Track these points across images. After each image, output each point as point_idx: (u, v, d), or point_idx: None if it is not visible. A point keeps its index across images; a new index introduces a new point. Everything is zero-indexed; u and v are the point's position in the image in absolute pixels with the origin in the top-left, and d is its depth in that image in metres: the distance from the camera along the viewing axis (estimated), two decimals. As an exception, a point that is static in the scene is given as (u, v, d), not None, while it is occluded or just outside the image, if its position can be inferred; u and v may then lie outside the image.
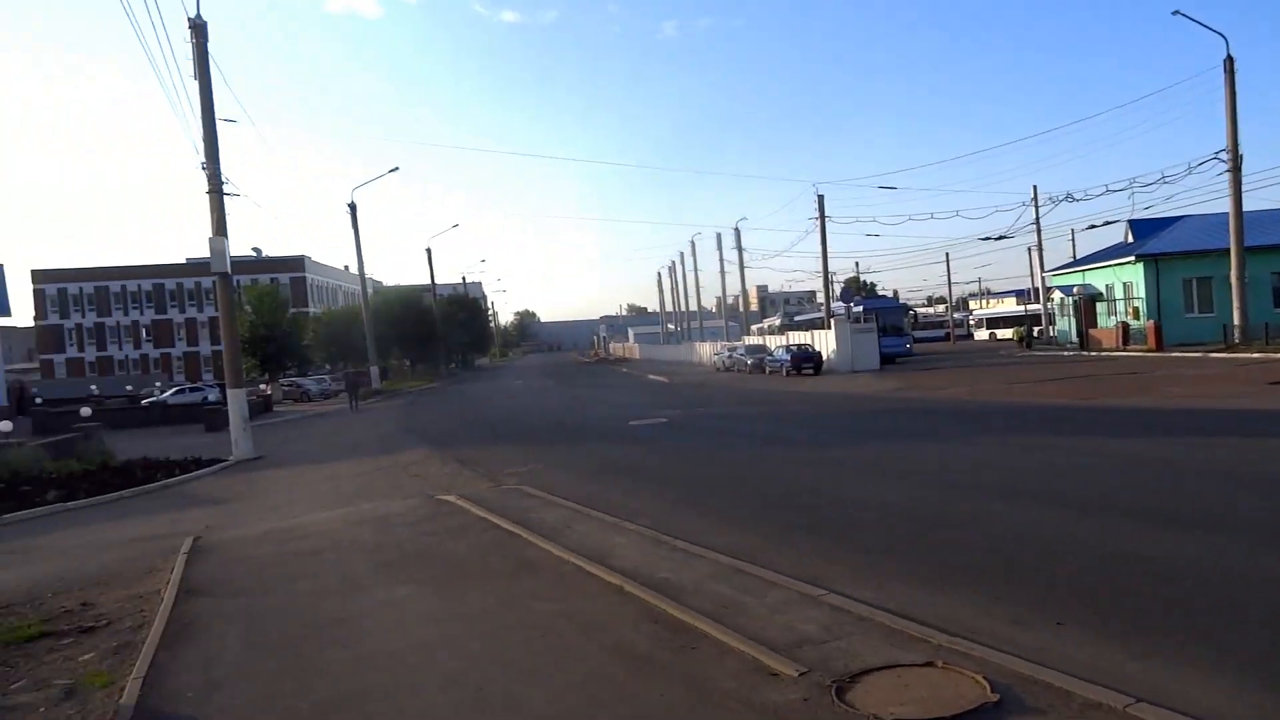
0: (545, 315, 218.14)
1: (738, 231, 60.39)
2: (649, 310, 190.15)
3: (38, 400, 48.66)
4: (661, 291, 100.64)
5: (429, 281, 76.71)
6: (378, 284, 77.64)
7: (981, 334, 77.60)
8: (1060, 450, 12.61)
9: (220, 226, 22.35)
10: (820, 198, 45.62)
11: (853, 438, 16.45)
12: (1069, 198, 44.06)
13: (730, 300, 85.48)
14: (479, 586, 7.16)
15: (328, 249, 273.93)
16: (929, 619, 5.54)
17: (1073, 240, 67.13)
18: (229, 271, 22.41)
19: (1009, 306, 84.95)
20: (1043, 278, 56.46)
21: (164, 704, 5.20)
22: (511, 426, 24.31)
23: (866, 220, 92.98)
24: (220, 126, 22.70)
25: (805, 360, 40.55)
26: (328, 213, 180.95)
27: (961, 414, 19.43)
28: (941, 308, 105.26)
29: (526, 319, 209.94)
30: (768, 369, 43.29)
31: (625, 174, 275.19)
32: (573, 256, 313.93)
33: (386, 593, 7.22)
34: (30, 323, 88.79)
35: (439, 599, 6.88)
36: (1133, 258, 41.71)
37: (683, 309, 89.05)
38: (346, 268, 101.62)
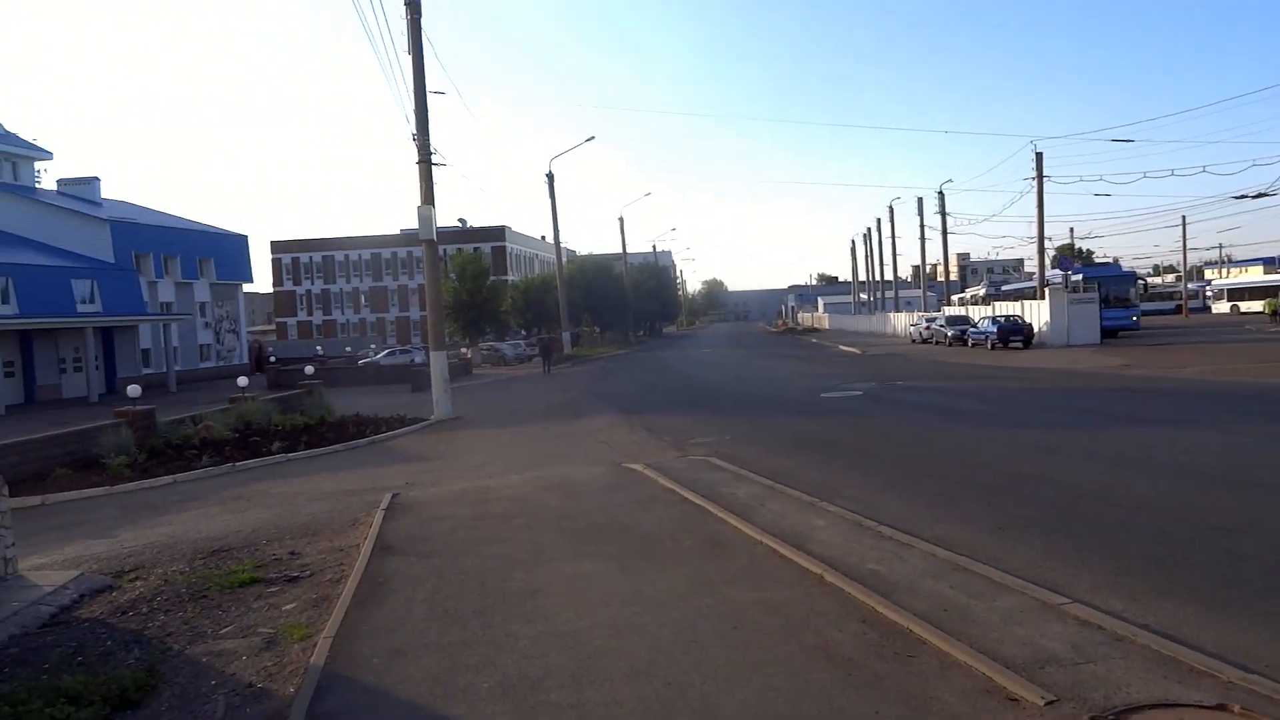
0: (733, 284, 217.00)
1: (941, 195, 56.78)
2: (839, 279, 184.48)
3: (272, 359, 53.96)
4: (854, 259, 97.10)
5: (620, 250, 78.18)
6: (572, 253, 79.96)
7: (1221, 306, 69.18)
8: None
9: (428, 196, 23.29)
10: (1038, 154, 41.79)
11: (1077, 420, 14.73)
12: None
13: (928, 269, 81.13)
14: (668, 565, 6.75)
15: (527, 219, 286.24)
16: (1209, 647, 4.53)
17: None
18: (435, 239, 23.35)
19: (1254, 275, 75.18)
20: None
21: (350, 668, 5.14)
22: (698, 395, 23.98)
23: (1092, 179, 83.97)
24: (430, 99, 23.64)
25: (1013, 332, 37.58)
26: (527, 183, 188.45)
27: (1209, 396, 17.02)
28: (1171, 277, 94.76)
29: (714, 287, 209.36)
30: (970, 341, 40.56)
31: (821, 136, 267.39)
32: (763, 224, 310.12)
33: (574, 566, 6.97)
34: (269, 289, 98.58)
35: (626, 577, 6.53)
36: None
37: (876, 278, 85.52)
38: (543, 237, 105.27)
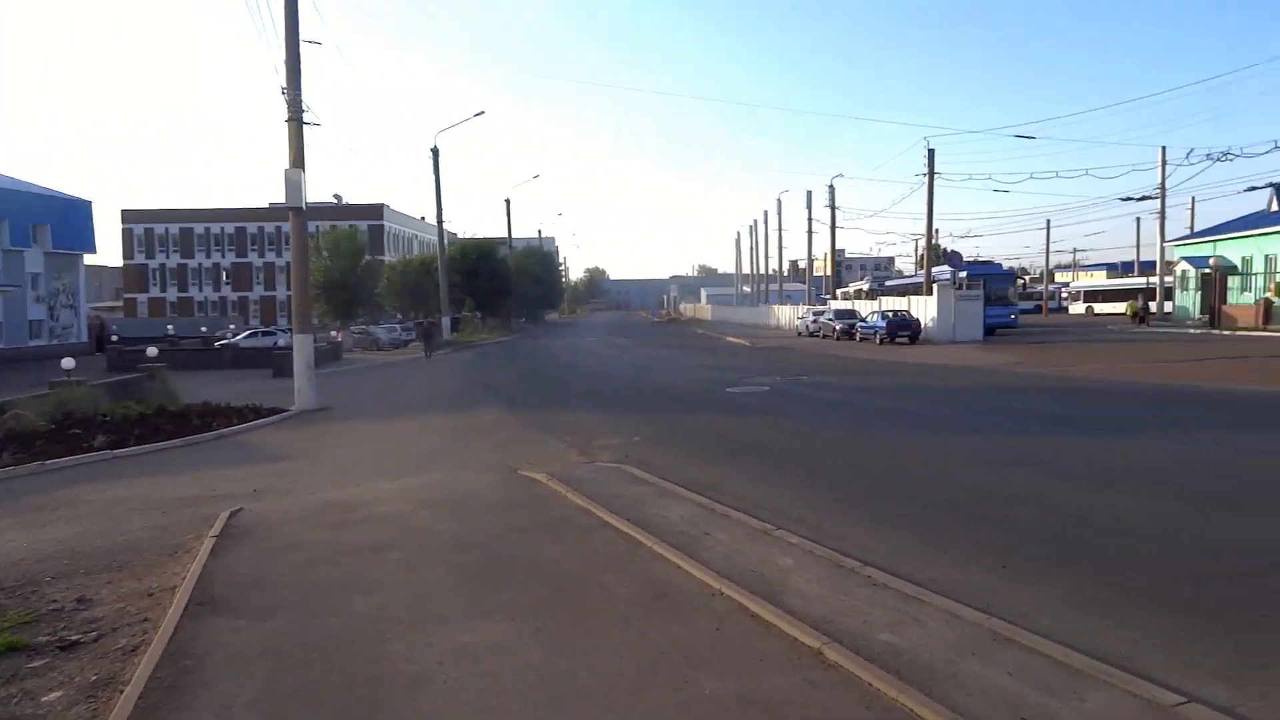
0: (614, 272, 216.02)
1: (831, 189, 56.89)
2: (719, 271, 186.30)
3: (114, 338, 48.70)
4: (739, 251, 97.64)
5: (505, 234, 75.34)
6: (454, 235, 76.46)
7: (1077, 307, 72.74)
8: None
9: (298, 158, 20.57)
10: (930, 150, 42.11)
11: (1016, 424, 13.79)
12: (1225, 156, 38.75)
13: (806, 263, 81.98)
14: (603, 630, 5.00)
15: (408, 198, 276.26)
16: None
17: (1192, 209, 61.92)
18: (304, 206, 20.65)
19: (1099, 280, 79.66)
20: (1162, 248, 51.99)
21: None
22: (595, 387, 22.25)
23: (982, 177, 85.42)
24: (305, 50, 20.88)
25: (902, 327, 37.69)
26: (410, 160, 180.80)
27: (1128, 397, 16.60)
28: (1028, 277, 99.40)
29: (596, 275, 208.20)
30: (859, 335, 40.49)
31: (708, 123, 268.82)
32: (646, 214, 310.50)
33: (474, 630, 5.11)
34: (119, 262, 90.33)
35: (549, 652, 4.73)
36: (1281, 227, 37.43)
37: (761, 270, 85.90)
38: (424, 218, 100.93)
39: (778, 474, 9.80)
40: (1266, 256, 39.86)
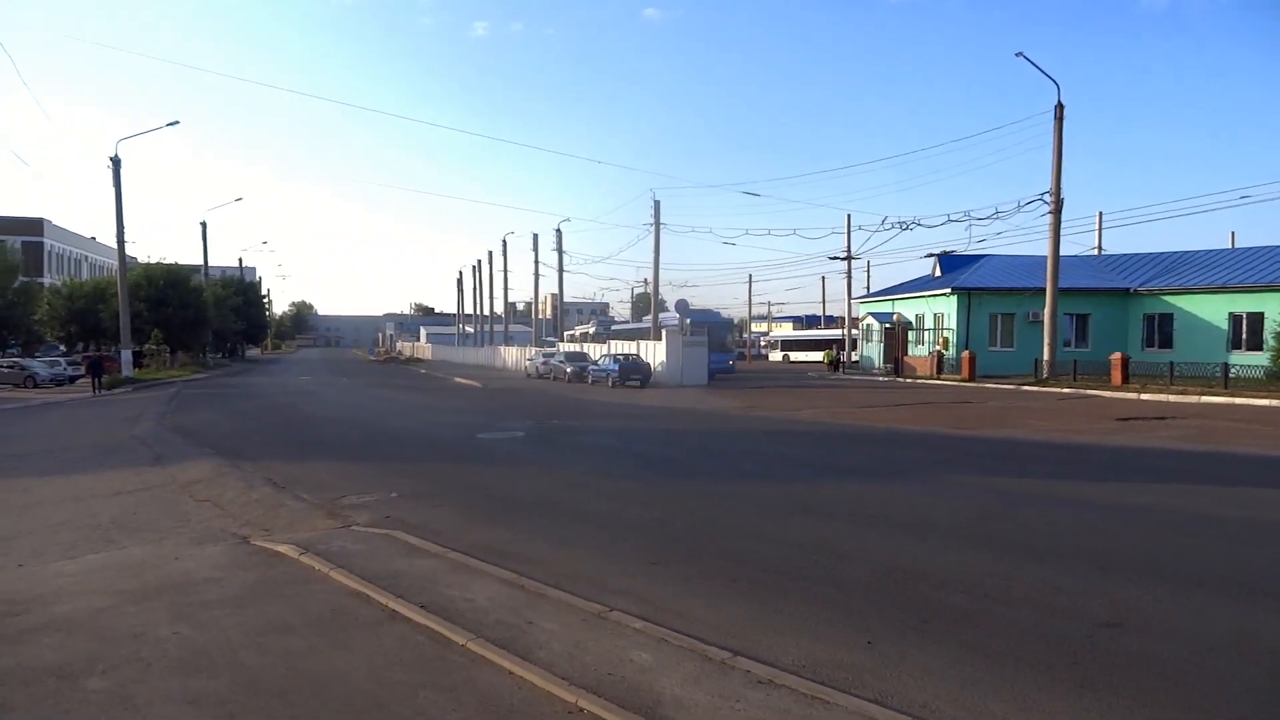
0: (323, 308, 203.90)
1: (559, 233, 57.35)
2: (436, 310, 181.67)
3: None
4: (460, 291, 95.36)
5: (200, 261, 67.58)
6: (134, 260, 67.02)
7: (775, 355, 79.39)
8: (1052, 502, 10.64)
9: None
10: (656, 202, 43.84)
11: (788, 470, 13.81)
12: (908, 226, 43.99)
13: (523, 306, 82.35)
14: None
15: (80, 217, 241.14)
16: None
17: (868, 271, 70.25)
18: (-66, 208, 16.41)
19: (787, 330, 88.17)
20: (849, 304, 58.07)
21: None
22: (323, 433, 19.78)
23: (704, 230, 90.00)
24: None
25: (634, 371, 38.44)
26: (80, 173, 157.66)
27: (870, 441, 17.56)
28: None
29: (303, 310, 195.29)
30: (591, 378, 40.65)
31: (426, 166, 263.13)
32: (358, 249, 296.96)
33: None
34: None
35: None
36: (948, 290, 43.05)
37: (483, 311, 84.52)
38: (94, 238, 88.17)
39: (575, 533, 8.75)
40: (935, 314, 45.75)
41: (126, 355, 43.20)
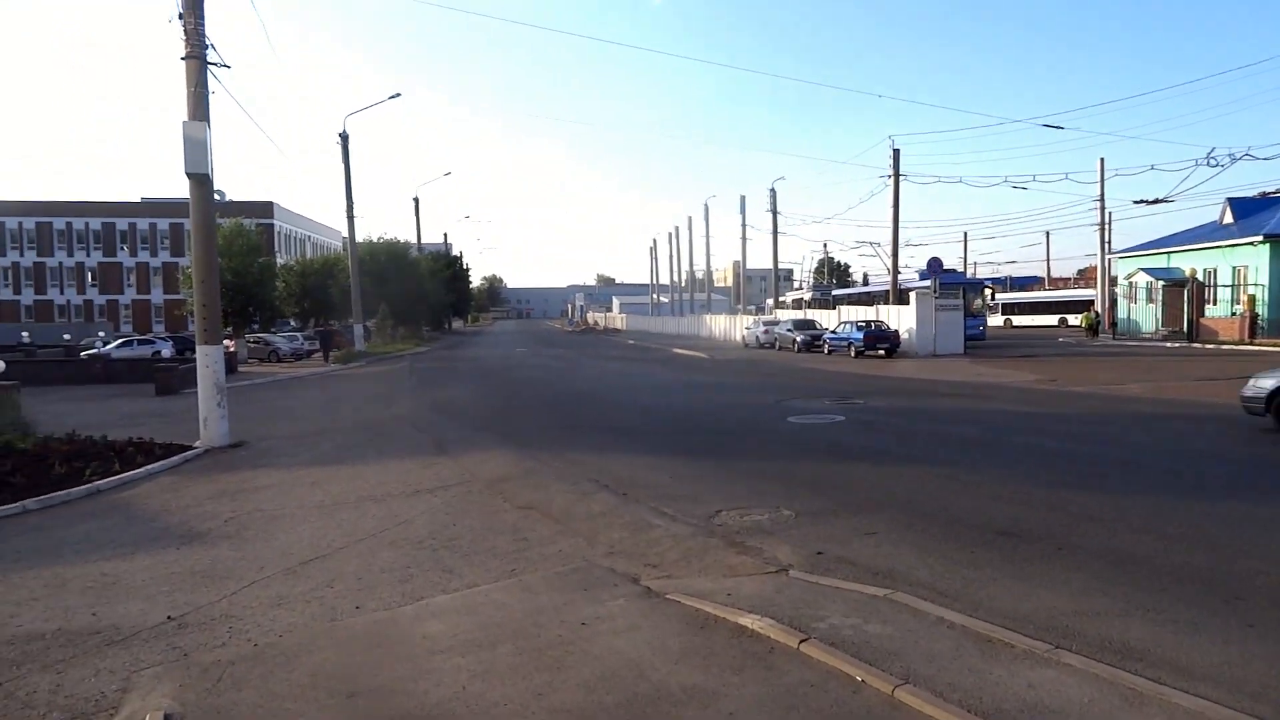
0: (511, 281, 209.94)
1: (773, 192, 53.72)
2: (618, 281, 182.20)
3: (-49, 347, 40.72)
4: (654, 259, 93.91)
5: (413, 236, 69.26)
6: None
7: (993, 320, 72.09)
8: None
9: (199, 109, 15.26)
10: (895, 150, 39.21)
11: (1250, 479, 10.08)
12: (1248, 155, 37.15)
13: (679, 277, 79.41)
14: None
15: (299, 198, 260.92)
16: None
17: (1106, 224, 61.00)
18: (210, 173, 15.35)
19: (1021, 293, 79.55)
20: (1104, 259, 50.76)
21: None
22: (595, 414, 17.58)
23: (952, 180, 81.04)
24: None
25: (880, 339, 34.64)
26: (302, 156, 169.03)
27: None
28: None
29: (495, 283, 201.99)
30: (828, 347, 37.13)
31: (618, 136, 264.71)
32: (546, 222, 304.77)
33: None
34: (-42, 260, 79.29)
35: None
36: (1258, 238, 36.10)
37: (677, 280, 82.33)
38: (316, 220, 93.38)
39: (1100, 574, 5.61)
40: (1234, 268, 38.73)
41: (359, 330, 43.98)
